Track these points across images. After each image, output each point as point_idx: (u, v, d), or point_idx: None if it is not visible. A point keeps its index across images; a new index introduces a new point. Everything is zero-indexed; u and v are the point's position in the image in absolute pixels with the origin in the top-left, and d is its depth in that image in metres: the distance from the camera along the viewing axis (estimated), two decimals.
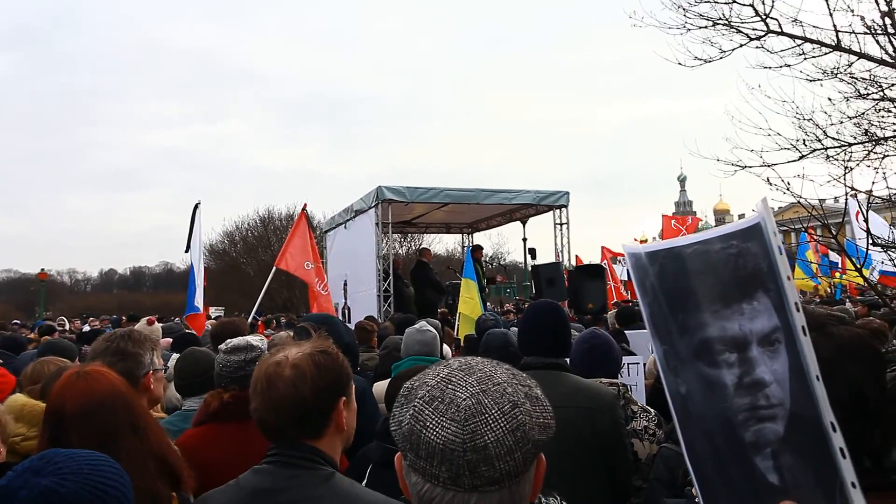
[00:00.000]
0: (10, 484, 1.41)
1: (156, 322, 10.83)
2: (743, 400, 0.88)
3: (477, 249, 15.41)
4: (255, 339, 3.31)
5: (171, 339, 7.39)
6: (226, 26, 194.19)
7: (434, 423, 1.09)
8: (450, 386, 1.14)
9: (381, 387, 4.17)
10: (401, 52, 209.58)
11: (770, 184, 3.34)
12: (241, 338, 3.42)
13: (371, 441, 3.00)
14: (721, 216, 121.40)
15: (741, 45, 3.81)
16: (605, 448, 2.91)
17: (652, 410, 3.37)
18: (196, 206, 9.19)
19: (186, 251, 9.11)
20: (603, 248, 24.91)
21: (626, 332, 5.80)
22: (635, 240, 28.26)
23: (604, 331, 3.76)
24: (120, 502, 1.47)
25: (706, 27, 3.86)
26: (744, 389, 0.88)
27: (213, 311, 24.96)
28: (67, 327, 16.68)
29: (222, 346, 3.19)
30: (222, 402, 2.94)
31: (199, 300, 9.06)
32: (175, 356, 5.54)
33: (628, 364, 4.25)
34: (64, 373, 2.44)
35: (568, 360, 3.26)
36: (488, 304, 14.01)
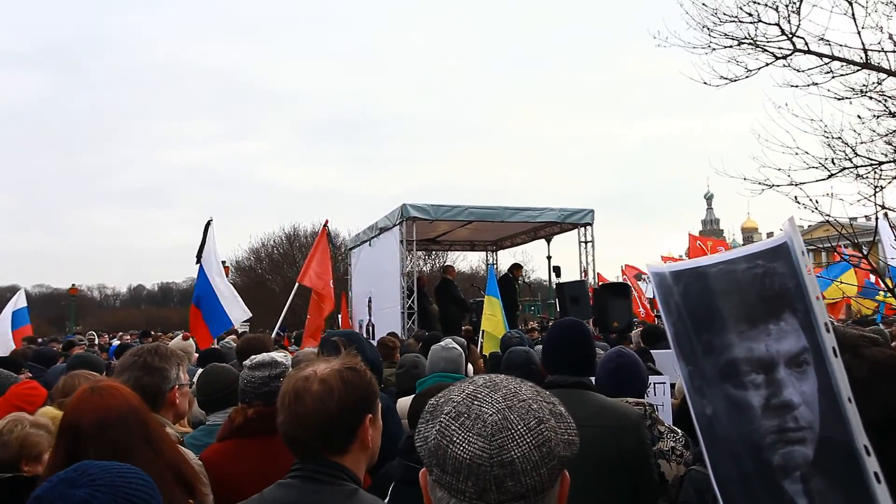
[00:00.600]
0: (45, 495, 1.44)
1: (190, 338, 10.97)
2: (771, 422, 0.86)
3: (517, 268, 15.37)
4: (279, 356, 3.33)
5: (197, 355, 7.48)
6: (250, 46, 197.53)
7: (461, 438, 1.10)
8: (476, 402, 1.15)
9: (402, 404, 4.17)
10: (424, 70, 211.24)
11: (798, 202, 3.29)
12: (265, 354, 3.44)
13: (394, 459, 3.00)
14: (749, 234, 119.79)
15: (767, 64, 3.79)
16: (630, 468, 2.87)
17: (679, 431, 3.32)
18: (208, 223, 9.33)
19: (196, 263, 9.21)
20: (625, 266, 24.72)
21: (652, 351, 5.73)
22: (662, 258, 27.99)
23: (630, 350, 3.73)
24: None
25: (731, 46, 3.85)
26: (771, 411, 0.86)
27: (239, 327, 25.13)
28: (97, 342, 16.95)
29: (247, 362, 3.22)
30: (247, 418, 2.97)
31: (234, 315, 9.07)
32: (199, 371, 5.60)
33: (655, 384, 4.20)
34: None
35: (594, 378, 3.24)
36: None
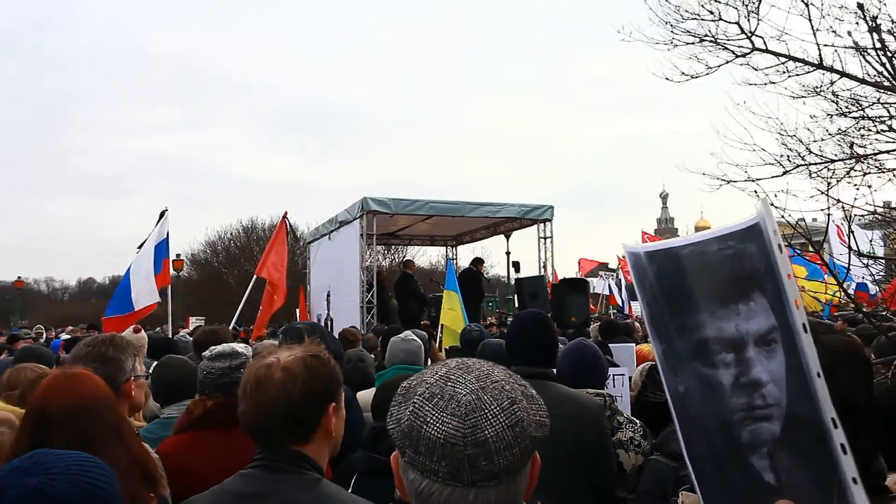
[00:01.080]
0: None
1: (142, 330, 10.70)
2: (739, 400, 0.88)
3: (479, 262, 15.43)
4: (239, 346, 3.28)
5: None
6: (211, 33, 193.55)
7: (435, 418, 1.11)
8: (449, 383, 1.15)
9: (363, 396, 4.15)
10: (387, 63, 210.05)
11: (757, 196, 3.37)
12: (225, 345, 3.39)
13: (356, 451, 2.98)
14: None
15: (727, 62, 3.88)
16: (589, 458, 2.91)
17: (637, 422, 3.37)
18: (163, 213, 9.15)
19: (138, 249, 9.01)
20: (580, 259, 25.04)
21: (610, 345, 5.82)
22: (618, 259, 28.53)
23: (590, 342, 3.78)
24: (106, 500, 1.45)
25: (693, 43, 3.92)
26: (740, 389, 0.88)
27: (194, 321, 24.71)
28: (44, 337, 16.44)
29: (206, 353, 3.16)
30: (206, 410, 2.91)
31: (139, 298, 8.78)
32: (147, 361, 5.48)
33: (614, 375, 4.27)
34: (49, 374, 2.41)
35: (555, 370, 3.27)
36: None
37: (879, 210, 4.32)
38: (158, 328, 14.75)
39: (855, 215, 3.63)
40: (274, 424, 1.84)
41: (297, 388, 1.84)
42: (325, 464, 1.94)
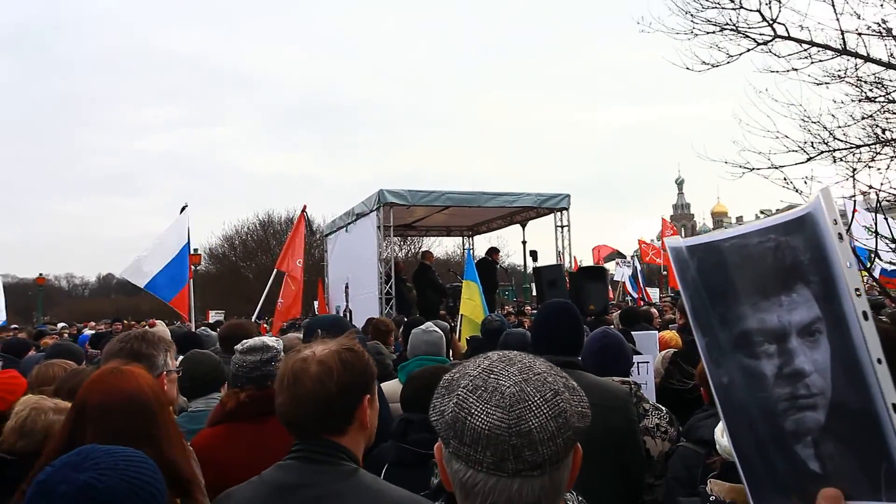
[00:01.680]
0: (48, 479, 1.43)
1: (157, 324, 10.84)
2: (783, 390, 0.90)
3: (495, 252, 15.43)
4: (270, 340, 3.33)
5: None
6: (221, 31, 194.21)
7: (479, 409, 1.13)
8: (492, 375, 1.18)
9: (390, 387, 4.19)
10: (396, 56, 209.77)
11: (787, 183, 3.35)
12: (257, 339, 3.44)
13: (385, 441, 3.02)
14: (719, 218, 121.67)
15: (748, 50, 3.84)
16: (618, 445, 2.93)
17: (663, 408, 3.39)
18: (183, 209, 9.24)
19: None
20: (596, 247, 24.93)
21: (632, 332, 5.82)
22: (639, 241, 28.45)
23: (614, 330, 3.79)
24: (154, 498, 1.49)
25: (713, 32, 3.90)
26: (783, 379, 0.90)
27: (214, 315, 24.94)
28: (67, 333, 16.68)
29: (238, 347, 3.22)
30: (239, 402, 2.96)
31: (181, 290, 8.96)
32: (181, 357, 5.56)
33: (638, 363, 4.28)
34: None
35: (580, 358, 3.29)
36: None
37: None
38: (178, 321, 14.89)
39: (883, 200, 3.61)
40: (311, 416, 1.88)
41: (333, 381, 1.87)
42: (360, 454, 1.98)
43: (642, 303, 19.06)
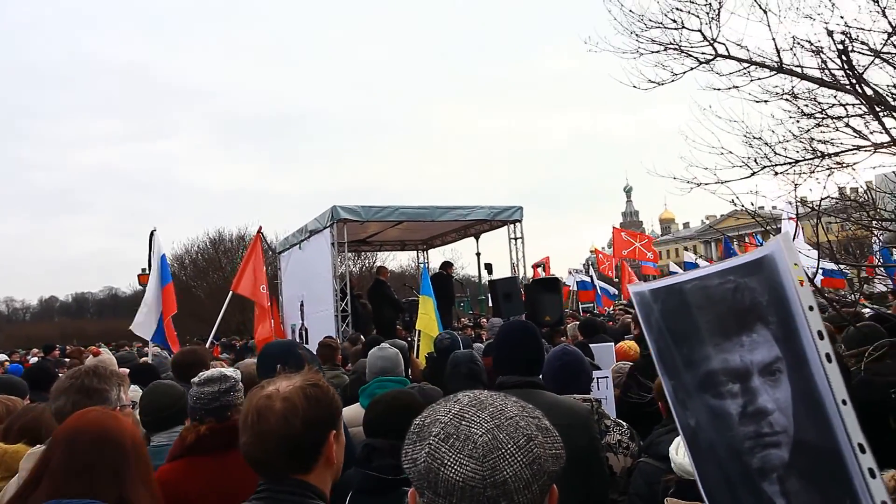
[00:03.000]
0: None
1: (101, 352, 10.49)
2: (748, 428, 0.93)
3: (448, 265, 15.48)
4: (228, 371, 3.28)
5: (127, 370, 7.18)
6: (160, 41, 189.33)
7: (452, 460, 1.12)
8: (464, 422, 1.16)
9: (351, 411, 4.16)
10: (342, 66, 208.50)
11: (736, 201, 3.47)
12: (214, 369, 3.40)
13: (348, 468, 3.00)
14: (667, 224, 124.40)
15: (692, 69, 3.97)
16: (581, 464, 2.96)
17: (624, 424, 3.44)
18: (152, 233, 9.04)
19: (145, 274, 8.89)
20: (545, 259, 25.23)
21: (591, 345, 5.88)
22: (596, 251, 28.87)
23: (573, 347, 3.84)
24: None
25: (658, 52, 4.01)
26: (748, 418, 0.93)
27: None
28: (8, 363, 16.01)
29: (195, 379, 3.16)
30: (199, 435, 2.90)
31: (140, 329, 8.73)
32: (133, 388, 5.40)
33: (598, 378, 4.34)
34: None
35: (541, 376, 3.32)
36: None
37: (834, 198, 4.48)
38: (126, 347, 14.47)
39: (822, 212, 3.76)
40: (276, 455, 1.85)
41: (298, 418, 1.85)
42: (328, 491, 1.96)
43: (604, 310, 19.34)
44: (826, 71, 3.79)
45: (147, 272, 8.89)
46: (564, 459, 1.20)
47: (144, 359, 9.88)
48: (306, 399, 1.89)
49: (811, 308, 0.84)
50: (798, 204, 3.87)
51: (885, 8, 3.33)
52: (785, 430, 0.90)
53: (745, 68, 3.90)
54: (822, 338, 0.83)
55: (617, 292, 24.94)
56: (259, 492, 1.89)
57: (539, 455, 1.14)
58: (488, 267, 16.96)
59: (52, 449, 2.03)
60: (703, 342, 0.95)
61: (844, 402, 0.82)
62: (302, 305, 14.43)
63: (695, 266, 21.36)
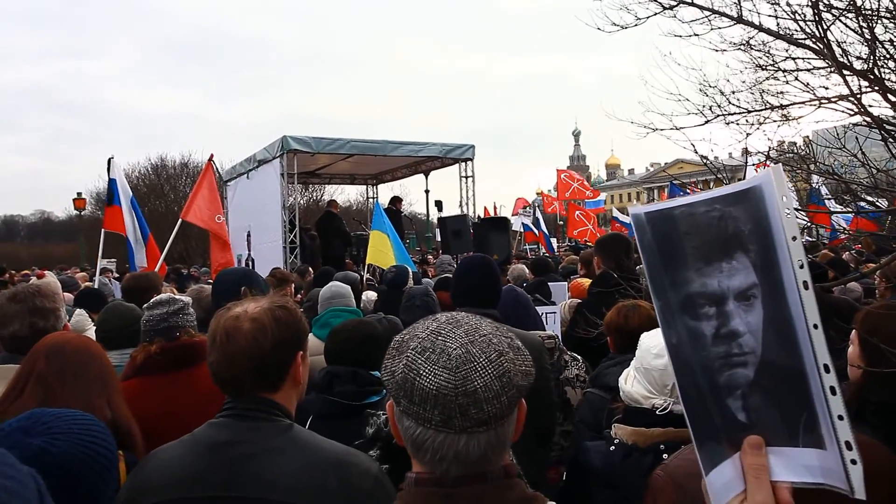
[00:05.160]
0: None
1: (45, 275, 10.20)
2: (719, 348, 0.99)
3: (397, 201, 15.46)
4: (178, 295, 3.28)
5: (71, 295, 7.03)
6: None
7: (427, 370, 1.20)
8: (440, 337, 1.24)
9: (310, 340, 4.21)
10: None
11: (693, 147, 3.54)
12: (164, 294, 3.39)
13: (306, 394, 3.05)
14: (612, 170, 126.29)
15: (655, 13, 3.97)
16: (533, 392, 3.08)
17: (580, 359, 3.57)
18: (109, 160, 8.71)
19: (110, 205, 8.65)
20: (519, 199, 25.53)
21: (549, 283, 6.02)
22: (541, 193, 29.23)
23: (518, 287, 3.98)
24: (109, 461, 1.47)
25: None
26: (720, 339, 0.99)
27: (103, 263, 23.61)
28: None
29: (146, 305, 3.15)
30: (149, 355, 2.90)
31: (140, 259, 8.71)
32: (78, 311, 5.31)
33: (546, 314, 4.48)
34: None
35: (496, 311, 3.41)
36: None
37: (779, 150, 4.63)
38: (68, 271, 14.07)
39: (773, 159, 3.88)
40: (245, 374, 1.87)
41: (267, 338, 1.87)
42: (293, 409, 2.00)
43: (551, 252, 19.69)
44: (778, 23, 3.86)
45: (78, 194, 8.53)
46: (534, 376, 1.28)
47: (87, 283, 9.67)
48: (275, 320, 1.91)
49: (794, 238, 0.89)
50: (746, 153, 3.99)
51: None
52: (753, 350, 0.96)
53: (706, 16, 3.92)
54: (801, 267, 0.89)
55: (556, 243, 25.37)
56: (225, 409, 1.91)
57: (509, 369, 1.23)
58: (438, 204, 17.00)
59: (35, 359, 2.00)
60: (687, 266, 1.01)
61: (815, 326, 0.88)
62: (249, 236, 14.23)
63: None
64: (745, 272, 0.96)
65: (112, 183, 8.60)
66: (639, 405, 2.42)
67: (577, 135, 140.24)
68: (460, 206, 15.39)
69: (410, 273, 6.79)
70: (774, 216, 0.90)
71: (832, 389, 0.88)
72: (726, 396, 0.99)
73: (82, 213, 30.19)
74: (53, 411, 1.50)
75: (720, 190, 0.97)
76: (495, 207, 25.94)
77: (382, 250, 9.18)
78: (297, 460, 1.81)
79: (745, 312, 0.97)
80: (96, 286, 7.88)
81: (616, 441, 2.46)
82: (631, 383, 2.50)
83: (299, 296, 7.48)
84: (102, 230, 8.76)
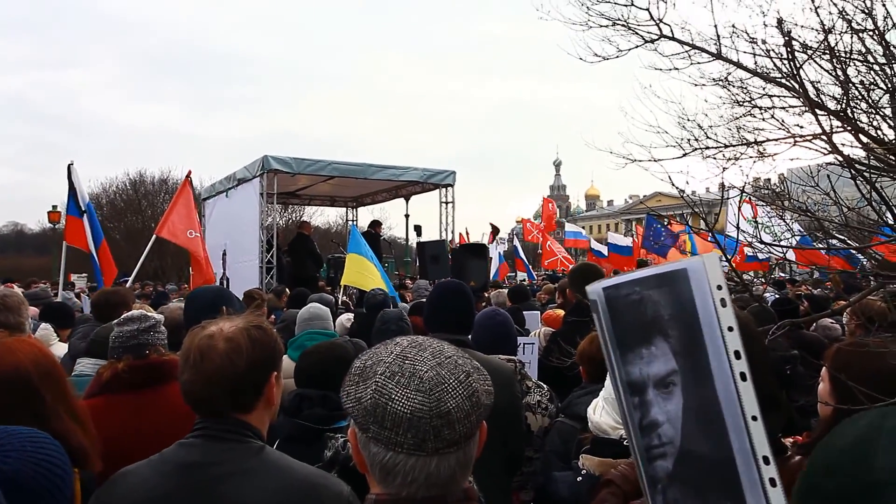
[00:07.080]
0: None
1: (14, 287, 10.00)
2: (644, 441, 0.99)
3: (377, 224, 15.44)
4: (150, 313, 3.23)
5: (37, 309, 6.89)
6: None
7: (399, 395, 1.21)
8: (408, 361, 1.25)
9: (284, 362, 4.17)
10: (279, 10, 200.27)
11: (670, 179, 3.59)
12: (135, 311, 3.33)
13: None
14: (592, 201, 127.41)
15: (637, 46, 4.06)
16: (502, 421, 3.07)
17: (545, 386, 3.59)
18: (69, 166, 8.59)
19: (72, 214, 8.51)
20: (491, 224, 25.61)
21: (524, 312, 6.02)
22: (522, 221, 29.40)
23: (503, 311, 3.95)
24: (62, 480, 1.43)
25: (606, 26, 4.07)
26: (643, 431, 0.99)
27: (75, 278, 23.26)
28: None
29: (116, 321, 3.09)
30: (116, 372, 2.84)
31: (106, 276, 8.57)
32: (43, 325, 5.22)
33: (524, 343, 4.49)
34: None
35: (470, 336, 3.41)
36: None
37: (754, 185, 4.71)
38: (40, 284, 13.80)
39: (746, 195, 3.95)
40: (219, 394, 1.86)
41: (241, 359, 1.86)
42: (265, 431, 1.98)
43: (531, 280, 19.76)
44: (756, 61, 3.95)
45: (53, 207, 8.43)
46: (493, 395, 1.30)
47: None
48: (250, 340, 1.90)
49: (731, 329, 0.87)
50: (722, 187, 4.07)
51: (817, 7, 3.48)
52: (671, 440, 0.95)
53: (686, 51, 4.01)
54: (738, 357, 0.87)
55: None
56: (197, 429, 1.89)
57: (477, 389, 1.25)
58: (418, 229, 17.01)
59: None
60: (615, 351, 1.01)
61: (755, 418, 0.86)
62: (224, 255, 14.09)
63: (616, 247, 22.05)
64: (665, 358, 0.95)
65: (71, 192, 8.47)
66: (607, 436, 2.43)
67: (557, 165, 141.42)
68: (440, 231, 15.43)
69: (394, 298, 6.79)
70: (705, 303, 0.87)
71: (772, 481, 0.86)
72: (652, 491, 0.99)
73: (56, 226, 29.70)
74: (6, 428, 1.46)
75: (644, 271, 0.96)
76: (467, 233, 25.98)
77: (362, 272, 9.15)
78: (269, 482, 1.80)
79: (665, 401, 0.96)
80: (59, 299, 7.74)
81: (583, 472, 2.46)
82: (599, 413, 2.51)
83: (272, 317, 7.41)
84: (64, 243, 8.61)
